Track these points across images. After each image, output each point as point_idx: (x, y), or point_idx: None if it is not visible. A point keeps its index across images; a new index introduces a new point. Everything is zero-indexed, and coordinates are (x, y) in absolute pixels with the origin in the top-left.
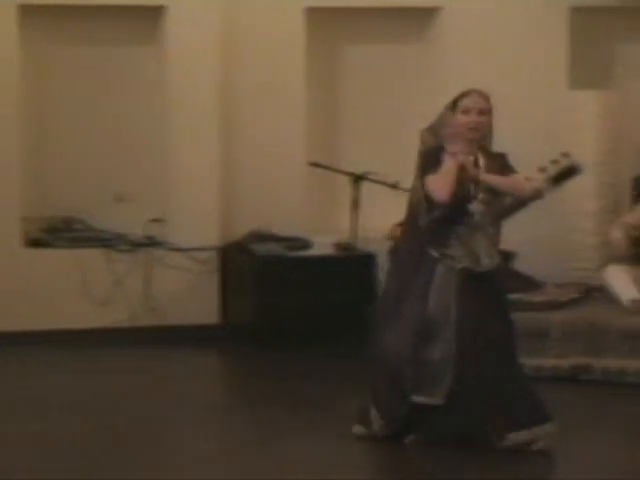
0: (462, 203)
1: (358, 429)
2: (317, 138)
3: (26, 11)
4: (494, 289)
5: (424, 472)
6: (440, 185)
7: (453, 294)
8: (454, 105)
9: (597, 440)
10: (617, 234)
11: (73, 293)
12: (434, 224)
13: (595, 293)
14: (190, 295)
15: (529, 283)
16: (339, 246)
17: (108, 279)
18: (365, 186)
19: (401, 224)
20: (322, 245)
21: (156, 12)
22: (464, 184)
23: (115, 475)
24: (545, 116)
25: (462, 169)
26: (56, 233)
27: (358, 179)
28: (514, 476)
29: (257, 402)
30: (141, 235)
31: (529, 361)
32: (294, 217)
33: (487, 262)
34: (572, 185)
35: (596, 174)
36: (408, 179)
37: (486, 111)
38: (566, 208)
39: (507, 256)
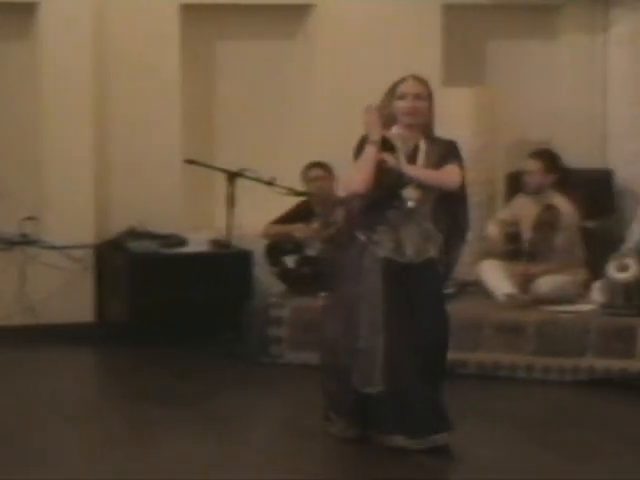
0: (393, 189)
1: (325, 425)
2: (193, 135)
3: None
4: (423, 286)
5: (305, 471)
6: (355, 175)
7: (380, 282)
8: (391, 91)
9: (475, 434)
10: (493, 230)
11: None
12: (364, 207)
13: (470, 288)
14: (65, 293)
15: None
16: (215, 243)
17: None
18: (241, 183)
19: (276, 221)
20: (198, 242)
21: (29, 8)
22: (390, 171)
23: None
24: None
25: (382, 162)
26: None
27: (233, 176)
28: (402, 476)
29: (132, 400)
30: (15, 233)
31: None
32: (170, 214)
33: (411, 254)
34: None
35: (470, 170)
36: (284, 176)
37: (423, 96)
38: None
39: None
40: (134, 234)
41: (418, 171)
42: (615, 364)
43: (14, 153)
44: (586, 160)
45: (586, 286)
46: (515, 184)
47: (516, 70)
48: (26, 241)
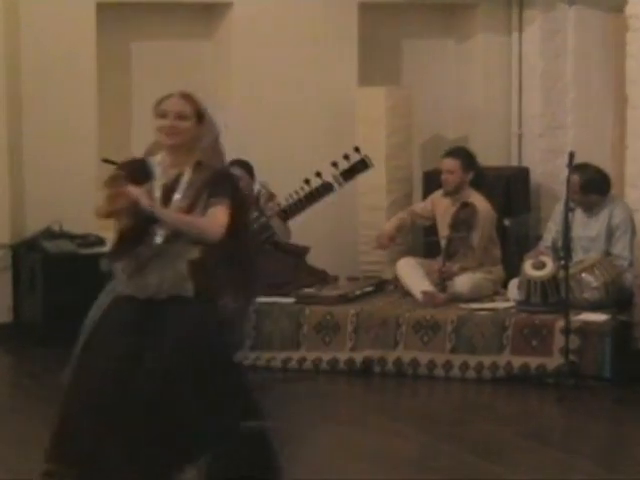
0: (144, 223)
1: None
2: (110, 134)
3: None
4: (167, 328)
5: None
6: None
7: (113, 320)
8: (155, 108)
9: (389, 432)
10: (388, 224)
11: None
12: (116, 240)
13: (388, 286)
14: None
15: (322, 277)
16: None
17: None
18: None
19: None
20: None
21: None
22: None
23: None
24: (336, 112)
25: (135, 203)
26: None
27: None
28: None
29: (44, 401)
30: None
31: (325, 355)
32: (86, 214)
33: (149, 292)
34: (362, 180)
35: (386, 169)
36: None
37: (187, 115)
38: (357, 202)
39: (300, 250)
40: (50, 234)
41: (171, 216)
42: (532, 361)
43: None
44: (501, 158)
45: (503, 284)
46: (432, 182)
47: (431, 69)
48: None
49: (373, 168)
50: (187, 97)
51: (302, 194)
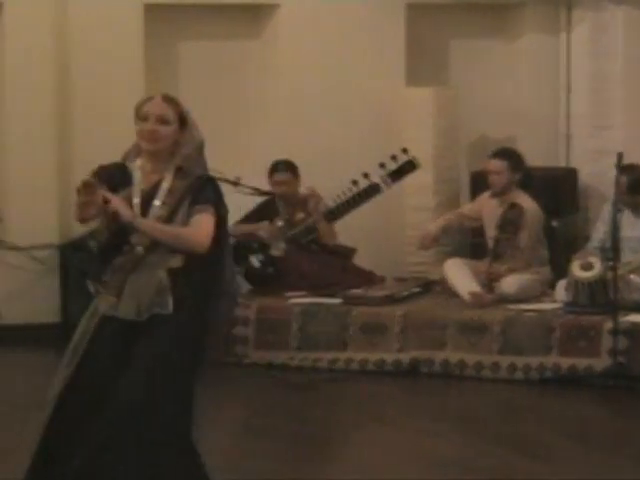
0: (120, 232)
1: None
2: None
3: None
4: (142, 349)
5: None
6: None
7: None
8: (137, 111)
9: (436, 432)
10: (431, 226)
11: None
12: (97, 252)
13: (435, 287)
14: (30, 294)
15: (369, 278)
16: None
17: None
18: None
19: (241, 221)
20: None
21: None
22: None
23: None
24: (383, 112)
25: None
26: None
27: None
28: None
29: None
30: None
31: (371, 356)
32: None
33: (127, 311)
34: (409, 180)
35: (433, 170)
36: (248, 176)
37: (169, 119)
38: (404, 203)
39: (347, 251)
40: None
41: (155, 227)
42: (580, 362)
43: None
44: (549, 159)
45: (550, 285)
46: (479, 183)
47: (479, 69)
48: None
49: (420, 169)
50: (170, 100)
51: (349, 195)
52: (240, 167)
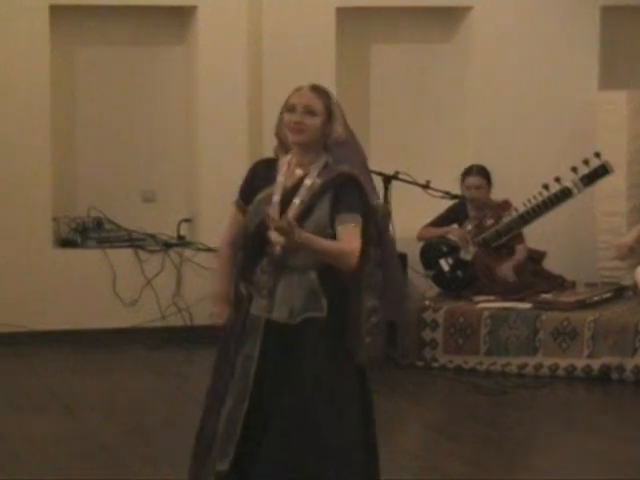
0: (263, 230)
1: None
2: None
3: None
4: (300, 354)
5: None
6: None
7: (258, 342)
8: (285, 102)
9: (632, 439)
10: (627, 236)
11: (102, 293)
12: (244, 254)
13: (626, 292)
14: None
15: (559, 283)
16: None
17: (138, 279)
18: (396, 186)
19: (431, 224)
20: None
21: (185, 12)
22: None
23: (142, 476)
24: (576, 116)
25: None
26: (86, 233)
27: (389, 179)
28: None
29: None
30: (171, 235)
31: (562, 361)
32: None
33: (280, 314)
34: (600, 185)
35: (626, 174)
36: (438, 179)
37: (317, 111)
38: (596, 208)
39: (537, 255)
40: None
41: (319, 243)
42: None
43: (170, 156)
44: None
45: None
46: None
47: None
48: (182, 243)
49: (613, 173)
50: (318, 91)
51: (540, 199)
52: (431, 171)
